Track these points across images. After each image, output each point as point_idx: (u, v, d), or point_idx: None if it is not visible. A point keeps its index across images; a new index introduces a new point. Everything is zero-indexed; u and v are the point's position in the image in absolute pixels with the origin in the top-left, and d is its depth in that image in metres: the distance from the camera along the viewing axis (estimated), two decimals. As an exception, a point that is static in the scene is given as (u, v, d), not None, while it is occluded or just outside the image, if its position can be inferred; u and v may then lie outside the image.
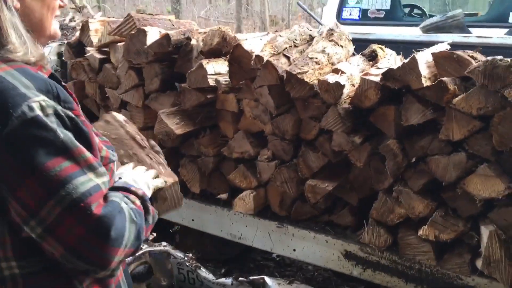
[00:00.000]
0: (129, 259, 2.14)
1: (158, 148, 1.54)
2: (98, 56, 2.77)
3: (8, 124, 0.93)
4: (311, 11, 6.54)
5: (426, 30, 3.88)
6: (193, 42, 2.46)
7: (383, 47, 2.42)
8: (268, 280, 2.38)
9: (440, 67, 1.86)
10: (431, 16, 4.59)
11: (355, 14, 4.85)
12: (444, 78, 1.80)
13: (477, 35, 3.53)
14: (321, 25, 3.29)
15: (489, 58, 1.70)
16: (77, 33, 3.01)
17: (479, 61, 1.78)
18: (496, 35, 3.45)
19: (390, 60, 2.28)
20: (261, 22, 17.74)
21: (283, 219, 2.38)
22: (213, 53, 2.37)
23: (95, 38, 2.83)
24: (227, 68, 2.25)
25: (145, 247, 2.66)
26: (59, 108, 1.00)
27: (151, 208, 1.15)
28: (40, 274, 1.05)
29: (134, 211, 1.06)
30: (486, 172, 1.77)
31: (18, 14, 1.04)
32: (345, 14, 4.88)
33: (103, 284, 1.13)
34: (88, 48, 2.84)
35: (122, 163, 1.38)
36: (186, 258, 2.61)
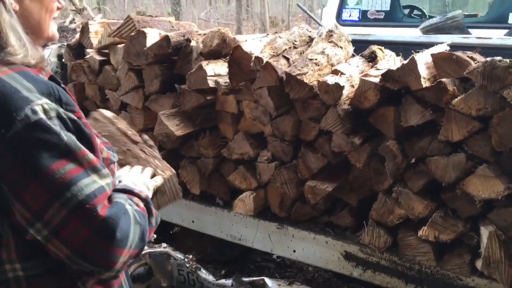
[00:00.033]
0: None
1: (151, 142, 1.54)
2: (98, 58, 2.77)
3: (12, 127, 0.93)
4: (311, 13, 6.56)
5: (426, 31, 3.89)
6: (193, 43, 2.46)
7: (382, 48, 2.42)
8: (268, 281, 2.38)
9: (439, 68, 1.86)
10: (430, 17, 4.61)
11: (355, 15, 4.86)
12: (443, 79, 1.80)
13: (476, 36, 3.54)
14: (321, 26, 3.30)
15: (488, 59, 1.70)
16: (77, 35, 3.02)
17: (478, 62, 1.78)
18: (496, 36, 3.46)
19: (390, 61, 2.29)
20: (261, 23, 17.76)
21: (283, 220, 2.39)
22: (212, 54, 2.37)
23: (95, 40, 2.84)
24: (226, 70, 2.25)
25: (145, 249, 2.66)
26: (61, 110, 1.00)
27: (154, 210, 1.16)
28: (44, 276, 1.05)
29: (138, 213, 1.07)
30: (486, 173, 1.77)
31: (17, 16, 1.04)
32: (345, 15, 4.89)
33: (106, 286, 1.14)
34: (88, 50, 2.84)
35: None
36: (186, 260, 2.61)
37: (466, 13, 4.52)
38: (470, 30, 3.87)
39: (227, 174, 2.46)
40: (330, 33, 2.32)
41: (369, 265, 2.16)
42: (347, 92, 2.01)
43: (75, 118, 1.03)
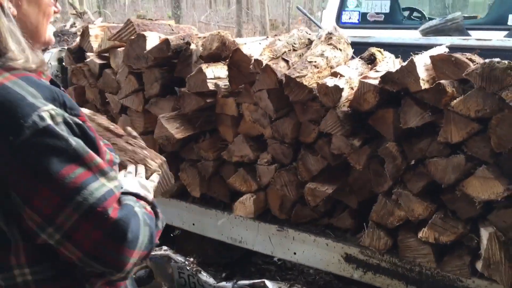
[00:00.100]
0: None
1: (135, 133, 1.54)
2: (98, 61, 2.78)
3: (20, 134, 0.94)
4: (311, 15, 6.56)
5: (426, 33, 3.89)
6: (193, 46, 2.47)
7: (381, 50, 2.43)
8: (268, 283, 2.38)
9: (438, 69, 1.86)
10: (430, 19, 4.60)
11: (355, 18, 4.86)
12: (442, 81, 1.80)
13: (476, 37, 3.54)
14: (321, 28, 3.30)
15: (487, 60, 1.71)
16: (78, 39, 3.03)
17: (477, 63, 1.79)
18: (495, 38, 3.46)
19: (389, 63, 2.29)
20: (262, 26, 17.78)
21: (283, 222, 2.39)
22: (212, 57, 2.38)
23: (95, 44, 2.84)
24: (226, 73, 2.26)
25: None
26: (67, 115, 1.01)
27: (160, 213, 1.17)
28: (52, 280, 1.06)
29: (147, 216, 1.09)
30: (485, 174, 1.77)
31: (15, 21, 1.05)
32: (345, 18, 4.90)
33: (113, 287, 1.16)
34: (88, 54, 2.85)
35: None
36: (186, 262, 2.61)
37: (465, 15, 4.52)
38: (469, 32, 3.87)
39: (227, 176, 2.47)
40: (329, 36, 2.33)
41: (370, 267, 2.16)
42: (347, 94, 2.01)
43: (80, 122, 1.04)
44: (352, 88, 2.03)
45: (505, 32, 3.82)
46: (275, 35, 2.46)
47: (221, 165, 2.50)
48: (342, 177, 2.19)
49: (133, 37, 2.51)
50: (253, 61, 2.11)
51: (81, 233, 0.97)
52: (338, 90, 1.96)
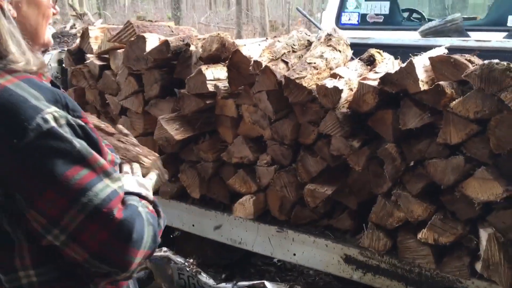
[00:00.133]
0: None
1: (126, 130, 1.54)
2: (98, 63, 2.79)
3: (24, 137, 0.94)
4: (311, 16, 6.57)
5: (425, 34, 3.89)
6: (192, 48, 2.47)
7: (381, 51, 2.43)
8: (268, 284, 2.38)
9: (437, 71, 1.87)
10: (430, 20, 4.61)
11: (354, 19, 4.87)
12: (441, 82, 1.80)
13: (475, 38, 3.54)
14: (321, 30, 3.31)
15: (486, 61, 1.71)
16: (78, 41, 3.03)
17: (476, 64, 1.79)
18: (495, 39, 3.46)
19: (388, 64, 2.30)
20: (261, 27, 17.80)
21: (283, 223, 2.39)
22: (212, 59, 2.38)
23: (95, 45, 2.85)
24: (226, 74, 2.26)
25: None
26: (69, 117, 1.02)
27: (161, 212, 1.18)
28: (57, 281, 1.07)
29: (150, 215, 1.10)
30: (484, 175, 1.77)
31: (15, 23, 1.05)
32: (344, 19, 4.90)
33: (116, 286, 1.17)
34: (88, 55, 2.85)
35: None
36: (186, 264, 2.61)
37: (465, 16, 4.53)
38: (469, 33, 3.88)
39: (227, 178, 2.47)
40: (328, 37, 2.34)
41: (369, 268, 2.16)
42: (346, 95, 2.01)
43: (83, 123, 1.05)
44: (351, 89, 2.04)
45: (505, 33, 3.82)
46: (275, 36, 2.46)
47: (221, 166, 2.50)
48: (341, 178, 2.20)
49: (132, 39, 2.51)
50: (252, 62, 2.11)
51: (87, 234, 0.98)
52: (337, 91, 1.96)
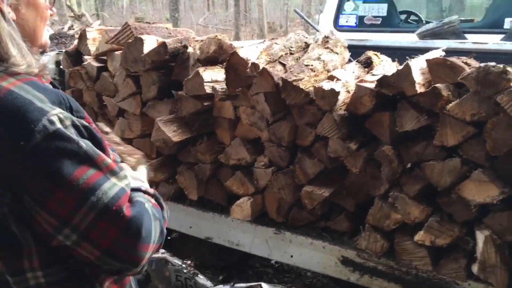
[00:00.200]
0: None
1: (107, 129, 1.54)
2: (96, 64, 2.79)
3: (31, 139, 0.94)
4: (309, 18, 6.58)
5: (423, 36, 3.90)
6: (190, 50, 2.47)
7: (378, 53, 2.44)
8: (265, 286, 2.38)
9: (434, 73, 1.87)
10: (427, 22, 4.62)
11: (352, 21, 4.88)
12: (438, 85, 1.81)
13: (473, 41, 3.56)
14: (318, 31, 3.32)
15: (482, 64, 1.72)
16: (75, 42, 3.03)
17: (472, 67, 1.80)
18: (492, 41, 3.48)
19: (385, 66, 2.30)
20: (259, 29, 17.82)
21: (281, 225, 2.39)
22: (209, 61, 2.38)
23: (92, 47, 2.85)
24: (223, 76, 2.26)
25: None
26: (74, 118, 1.02)
27: (164, 204, 1.20)
28: (65, 281, 1.08)
29: (155, 209, 1.11)
30: (480, 178, 1.78)
31: (15, 25, 1.06)
32: (342, 21, 4.91)
33: (120, 284, 1.20)
34: (86, 57, 2.85)
35: None
36: (184, 265, 2.61)
37: (462, 19, 4.54)
38: (466, 35, 3.89)
39: (224, 179, 2.47)
40: (326, 39, 2.34)
41: (366, 270, 2.16)
42: (343, 97, 2.02)
43: (87, 124, 1.06)
44: (348, 92, 2.04)
45: (502, 36, 3.83)
46: (272, 38, 2.47)
47: (219, 168, 2.51)
48: (338, 180, 2.20)
49: (130, 40, 2.51)
50: (250, 64, 2.12)
51: (98, 232, 0.99)
52: (334, 93, 1.96)
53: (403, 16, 5.11)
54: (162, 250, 2.73)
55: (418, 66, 1.91)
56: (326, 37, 2.36)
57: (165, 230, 1.13)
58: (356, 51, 2.62)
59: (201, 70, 2.28)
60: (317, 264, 2.30)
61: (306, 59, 2.18)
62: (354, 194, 2.19)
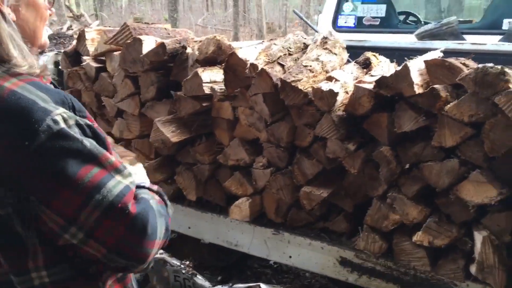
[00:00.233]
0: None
1: None
2: (95, 65, 2.78)
3: (36, 139, 0.95)
4: (308, 19, 6.58)
5: (421, 37, 3.92)
6: (189, 50, 2.47)
7: (376, 54, 2.44)
8: (264, 287, 2.39)
9: (432, 74, 1.88)
10: (426, 23, 4.64)
11: (351, 22, 4.89)
12: (436, 86, 1.81)
13: (471, 42, 3.57)
14: (317, 32, 3.32)
15: (480, 65, 1.72)
16: (74, 42, 3.03)
17: (471, 68, 1.80)
18: (490, 42, 3.49)
19: (384, 67, 2.31)
20: (258, 29, 17.82)
21: (279, 226, 2.39)
22: (208, 61, 2.39)
23: (91, 47, 2.85)
24: (222, 76, 2.27)
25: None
26: (78, 118, 1.03)
27: (167, 200, 1.21)
28: (70, 280, 1.09)
29: (160, 206, 1.12)
30: (478, 178, 1.78)
31: (15, 26, 1.06)
32: (341, 22, 4.92)
33: (123, 283, 1.21)
34: (85, 57, 2.85)
35: None
36: (182, 266, 2.61)
37: (460, 19, 4.55)
38: (464, 36, 3.90)
39: (223, 180, 2.47)
40: (324, 40, 2.35)
41: (365, 271, 2.17)
42: (342, 98, 2.02)
43: (90, 123, 1.06)
44: (347, 92, 2.04)
45: (500, 37, 3.84)
46: (271, 39, 2.47)
47: (217, 168, 2.51)
48: (337, 181, 2.20)
49: (129, 41, 2.51)
50: (248, 65, 2.12)
51: (104, 230, 1.00)
52: (333, 94, 1.97)
53: (401, 17, 5.13)
54: (160, 251, 2.73)
55: (416, 67, 1.91)
56: (325, 38, 2.36)
57: (169, 226, 1.14)
58: (354, 51, 2.62)
59: (199, 70, 2.28)
60: (315, 265, 2.30)
61: (304, 59, 2.18)
62: (352, 194, 2.19)
